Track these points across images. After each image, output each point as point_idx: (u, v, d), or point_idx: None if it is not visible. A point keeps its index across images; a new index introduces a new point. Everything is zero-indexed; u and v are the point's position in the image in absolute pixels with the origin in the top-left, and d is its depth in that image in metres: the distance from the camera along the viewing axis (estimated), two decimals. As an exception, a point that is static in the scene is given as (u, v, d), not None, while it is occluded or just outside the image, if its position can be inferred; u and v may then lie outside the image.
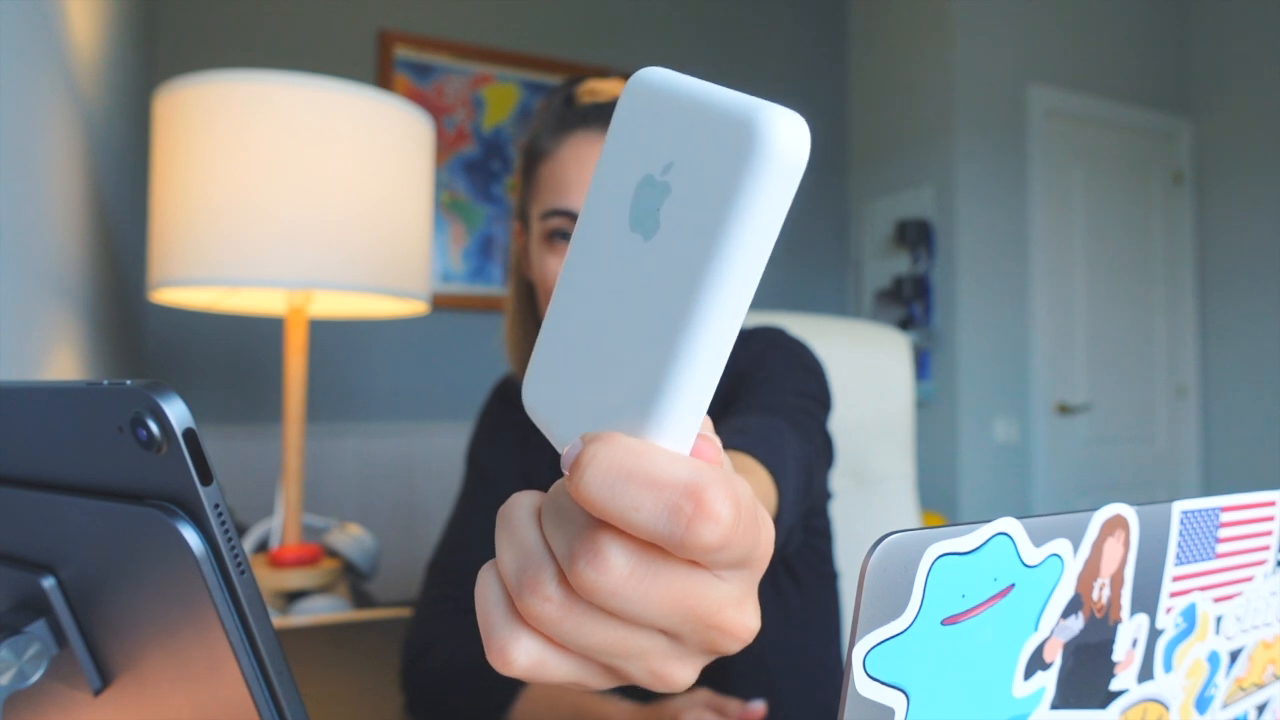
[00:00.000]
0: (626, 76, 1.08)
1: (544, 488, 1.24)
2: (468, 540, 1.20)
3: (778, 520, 0.76)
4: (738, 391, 1.07)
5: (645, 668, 0.34)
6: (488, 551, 1.18)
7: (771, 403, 0.98)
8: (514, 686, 0.99)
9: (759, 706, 0.90)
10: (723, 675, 1.12)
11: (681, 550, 0.30)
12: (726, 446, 0.78)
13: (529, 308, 1.16)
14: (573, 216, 0.99)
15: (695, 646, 0.34)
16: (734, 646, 0.34)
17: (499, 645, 0.34)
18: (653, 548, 0.31)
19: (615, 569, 0.31)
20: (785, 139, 0.29)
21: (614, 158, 0.35)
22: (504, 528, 0.35)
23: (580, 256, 0.36)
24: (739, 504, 0.30)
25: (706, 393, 0.31)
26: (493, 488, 1.23)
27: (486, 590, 0.35)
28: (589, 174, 1.00)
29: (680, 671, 0.35)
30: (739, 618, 0.33)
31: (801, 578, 1.17)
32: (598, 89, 1.10)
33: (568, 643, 0.33)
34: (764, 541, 0.33)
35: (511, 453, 1.25)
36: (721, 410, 1.06)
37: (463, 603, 1.15)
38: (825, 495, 1.20)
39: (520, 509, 0.35)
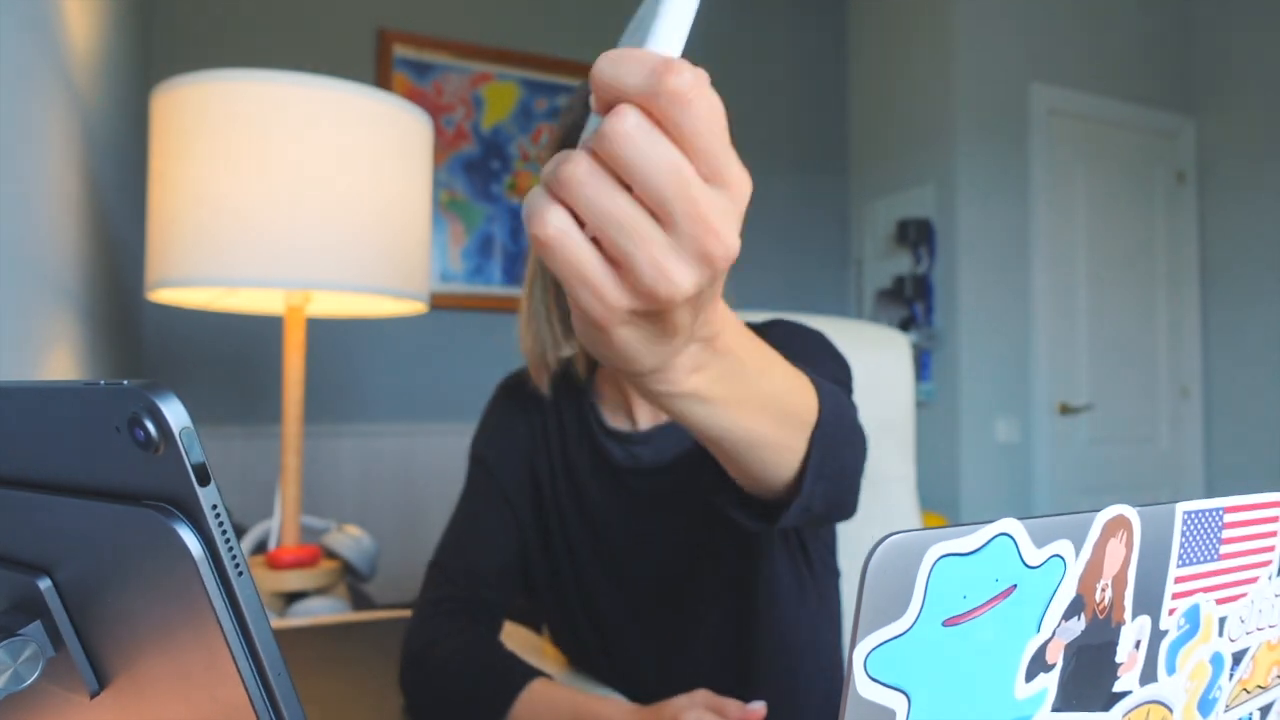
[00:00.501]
0: None
1: (552, 485, 1.25)
2: (470, 540, 1.19)
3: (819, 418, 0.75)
4: None
5: (649, 257, 0.44)
6: (490, 552, 1.18)
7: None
8: (513, 688, 0.99)
9: (759, 707, 0.90)
10: (746, 656, 1.14)
11: (661, 100, 0.41)
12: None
13: (543, 296, 1.15)
14: None
15: (689, 243, 0.44)
16: (719, 255, 0.44)
17: (537, 213, 0.44)
18: (654, 120, 0.42)
19: (626, 120, 0.42)
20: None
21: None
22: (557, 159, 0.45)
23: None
24: (701, 75, 0.42)
25: (681, 35, 0.44)
26: (496, 485, 1.23)
27: (533, 191, 0.46)
28: None
29: (678, 268, 0.44)
30: (722, 223, 0.44)
31: (814, 563, 1.18)
32: None
33: (587, 211, 0.43)
34: (737, 171, 0.44)
35: (518, 449, 1.24)
36: None
37: (464, 603, 1.14)
38: None
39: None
